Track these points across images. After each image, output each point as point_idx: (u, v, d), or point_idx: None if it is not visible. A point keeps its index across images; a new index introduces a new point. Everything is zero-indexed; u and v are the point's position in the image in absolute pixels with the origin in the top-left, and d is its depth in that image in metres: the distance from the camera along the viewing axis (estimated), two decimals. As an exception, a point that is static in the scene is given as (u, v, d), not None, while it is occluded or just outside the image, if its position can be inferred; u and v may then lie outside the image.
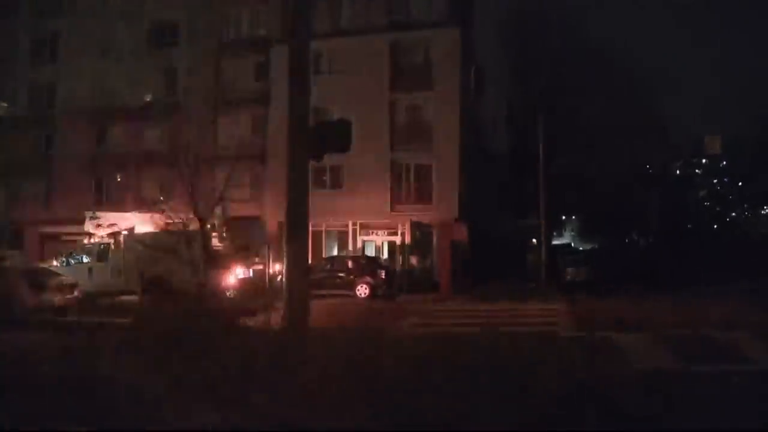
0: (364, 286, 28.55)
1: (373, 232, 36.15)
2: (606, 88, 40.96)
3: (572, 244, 61.64)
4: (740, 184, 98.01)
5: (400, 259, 34.72)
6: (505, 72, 44.14)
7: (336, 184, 35.60)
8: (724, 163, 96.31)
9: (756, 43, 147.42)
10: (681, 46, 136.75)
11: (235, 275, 24.85)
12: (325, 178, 35.07)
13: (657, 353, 11.43)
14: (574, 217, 63.84)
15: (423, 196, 35.38)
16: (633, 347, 11.94)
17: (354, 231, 36.11)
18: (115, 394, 7.99)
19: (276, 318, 12.09)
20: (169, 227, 24.15)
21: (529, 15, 42.85)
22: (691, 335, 13.46)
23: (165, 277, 23.56)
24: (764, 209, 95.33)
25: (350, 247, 35.87)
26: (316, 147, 10.72)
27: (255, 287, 24.17)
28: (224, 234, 25.88)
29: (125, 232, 27.29)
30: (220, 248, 25.31)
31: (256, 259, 27.35)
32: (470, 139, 37.48)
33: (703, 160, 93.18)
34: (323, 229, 35.66)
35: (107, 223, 28.61)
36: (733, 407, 7.61)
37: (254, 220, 34.65)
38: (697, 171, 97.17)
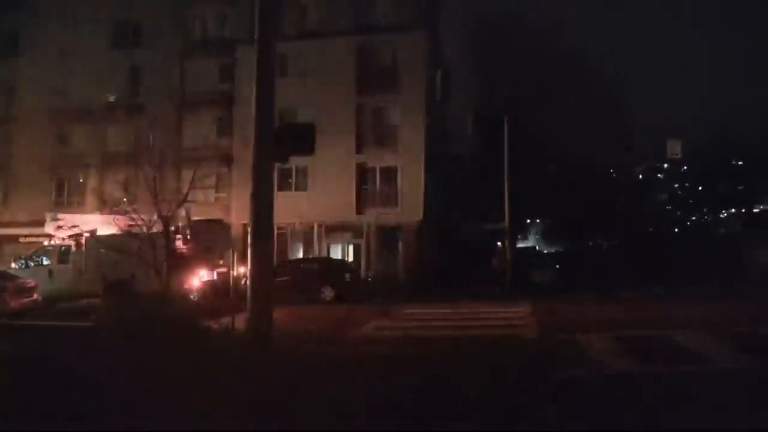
0: (329, 289, 28.44)
1: (338, 235, 36.06)
2: (572, 94, 41.37)
3: (537, 248, 62.10)
4: (700, 188, 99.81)
5: (365, 262, 34.74)
6: (472, 76, 44.33)
7: (301, 186, 35.54)
8: (685, 167, 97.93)
9: (715, 50, 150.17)
10: (645, 52, 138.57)
11: (199, 278, 24.62)
12: (290, 179, 35.00)
13: (620, 354, 11.54)
14: (539, 221, 64.33)
15: (388, 198, 35.39)
16: (597, 348, 12.04)
17: (319, 233, 36.02)
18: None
19: (240, 321, 12.01)
20: (132, 229, 23.81)
21: (496, 20, 43.09)
22: (653, 336, 13.64)
23: (128, 280, 23.29)
24: (722, 213, 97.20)
25: (315, 250, 35.78)
26: (281, 149, 10.70)
27: (219, 290, 23.96)
28: (188, 236, 25.58)
29: (87, 234, 26.89)
30: (184, 251, 25.03)
31: (221, 262, 27.11)
32: (436, 142, 37.60)
33: (665, 165, 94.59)
34: (288, 231, 35.56)
35: (68, 224, 28.17)
36: (694, 407, 7.71)
37: (219, 223, 34.31)
38: (659, 175, 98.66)
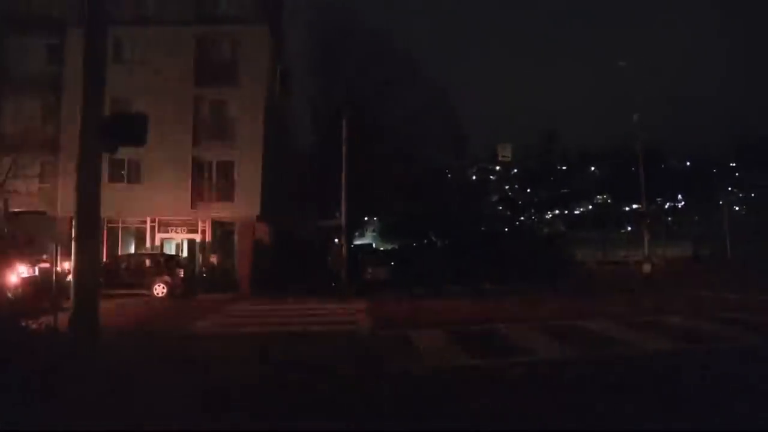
0: (162, 285, 27.73)
1: (172, 230, 35.00)
2: (409, 96, 42.44)
3: (374, 245, 63.09)
4: (528, 190, 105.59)
5: (200, 257, 34.02)
6: (313, 73, 44.41)
7: (134, 179, 34.11)
8: (515, 170, 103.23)
9: (544, 57, 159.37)
10: (478, 59, 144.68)
11: (17, 274, 23.08)
12: (123, 171, 33.55)
13: (450, 349, 11.92)
14: (376, 218, 65.42)
15: (225, 193, 34.71)
16: (427, 344, 12.37)
17: (152, 228, 34.80)
18: None
19: (63, 320, 11.38)
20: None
21: (337, 19, 43.38)
22: (481, 330, 14.21)
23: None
24: (548, 214, 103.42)
25: (148, 245, 34.53)
26: (110, 139, 10.22)
27: (41, 287, 22.58)
28: (5, 229, 23.94)
29: None
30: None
31: (43, 257, 25.61)
32: (275, 138, 37.31)
33: (497, 167, 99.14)
34: (119, 225, 34.20)
35: None
36: (521, 397, 8.07)
37: (42, 214, 32.36)
38: (491, 177, 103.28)
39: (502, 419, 7.07)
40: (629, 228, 63.96)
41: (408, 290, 28.59)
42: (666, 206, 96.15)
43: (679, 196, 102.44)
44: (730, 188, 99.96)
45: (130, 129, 10.50)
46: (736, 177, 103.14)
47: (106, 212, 10.71)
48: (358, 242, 52.39)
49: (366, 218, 58.23)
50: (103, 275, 23.79)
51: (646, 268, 35.26)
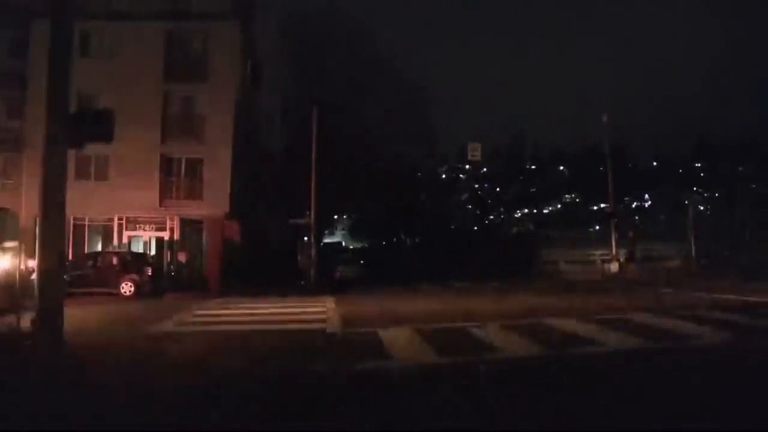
0: (129, 284, 27.36)
1: (140, 227, 34.60)
2: (381, 96, 42.49)
3: (343, 243, 63.14)
4: (497, 189, 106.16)
5: (168, 256, 33.67)
6: (284, 70, 44.21)
7: (101, 176, 33.68)
8: (485, 169, 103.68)
9: (512, 61, 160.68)
10: (453, 62, 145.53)
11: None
12: (89, 168, 33.06)
13: (419, 347, 11.88)
14: (346, 217, 65.43)
15: (194, 191, 34.43)
16: (397, 342, 12.33)
17: (120, 225, 34.37)
18: None
19: (27, 320, 11.16)
20: None
21: (311, 18, 43.27)
22: (448, 328, 14.21)
23: None
24: (517, 213, 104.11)
25: (115, 243, 34.08)
26: (76, 135, 10.02)
27: (2, 286, 22.15)
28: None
29: None
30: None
31: (6, 256, 25.13)
32: (245, 135, 37.04)
33: (467, 166, 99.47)
34: (86, 222, 33.72)
35: None
36: (490, 396, 8.04)
37: (4, 212, 31.73)
38: (461, 176, 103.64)
39: (472, 418, 7.03)
40: (597, 227, 64.63)
41: (378, 288, 28.57)
42: (633, 206, 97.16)
43: (646, 196, 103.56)
44: (695, 188, 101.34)
45: (97, 125, 10.31)
46: (701, 177, 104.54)
47: (71, 209, 10.50)
48: (328, 240, 52.35)
49: (336, 216, 58.16)
50: (69, 274, 23.46)
51: (614, 267, 35.64)
